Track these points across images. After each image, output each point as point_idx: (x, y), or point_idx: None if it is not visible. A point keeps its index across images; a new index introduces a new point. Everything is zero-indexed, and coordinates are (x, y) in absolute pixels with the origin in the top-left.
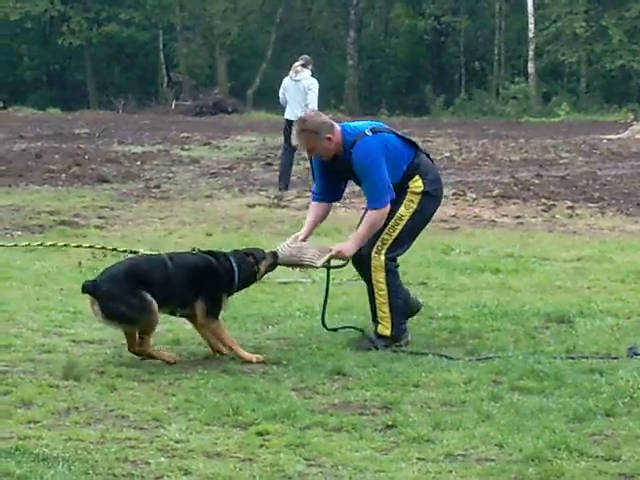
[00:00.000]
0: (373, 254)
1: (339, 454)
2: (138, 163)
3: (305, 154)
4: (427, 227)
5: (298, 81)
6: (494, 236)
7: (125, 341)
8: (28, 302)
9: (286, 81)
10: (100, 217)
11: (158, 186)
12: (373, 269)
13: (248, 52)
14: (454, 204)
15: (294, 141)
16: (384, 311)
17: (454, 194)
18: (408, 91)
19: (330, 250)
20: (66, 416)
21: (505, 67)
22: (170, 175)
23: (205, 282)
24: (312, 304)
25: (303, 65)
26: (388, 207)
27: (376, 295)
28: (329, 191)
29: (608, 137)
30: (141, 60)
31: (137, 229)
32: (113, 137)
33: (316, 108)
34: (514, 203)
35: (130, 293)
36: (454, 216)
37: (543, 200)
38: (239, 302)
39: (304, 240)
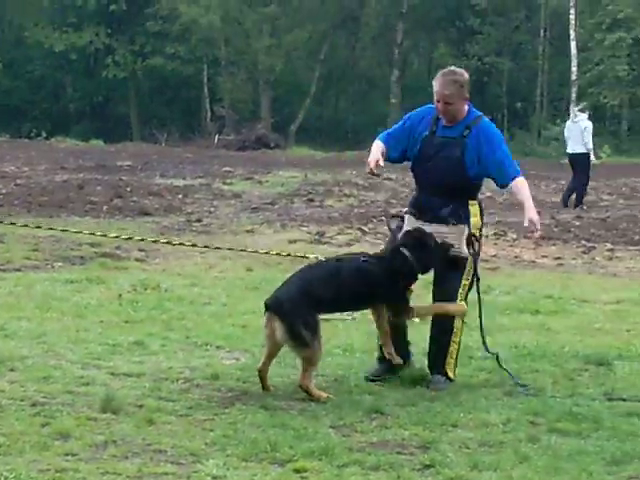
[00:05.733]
0: (459, 301)
1: None
2: (180, 196)
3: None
4: None
5: (576, 123)
6: (534, 277)
7: (165, 375)
8: (67, 334)
9: (568, 123)
10: (141, 250)
11: (199, 220)
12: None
13: (292, 88)
14: (495, 244)
15: (445, 91)
16: (453, 357)
17: (495, 234)
18: None
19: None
20: (103, 449)
21: (547, 109)
22: (212, 209)
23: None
24: (351, 341)
25: (581, 110)
26: None
27: (452, 342)
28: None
29: None
30: (185, 93)
31: (177, 262)
32: (155, 170)
33: (591, 147)
34: (554, 244)
35: (309, 314)
36: (494, 256)
37: (583, 242)
38: None
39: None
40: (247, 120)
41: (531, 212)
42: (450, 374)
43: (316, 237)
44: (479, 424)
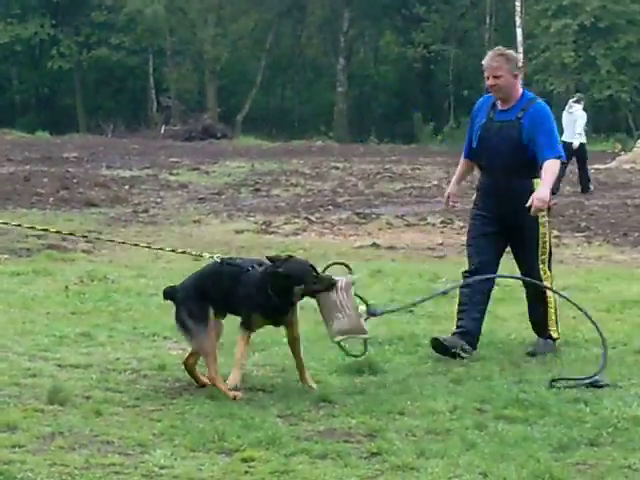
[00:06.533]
0: (543, 273)
1: None
2: (126, 187)
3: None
4: (415, 255)
5: (571, 113)
6: None
7: (112, 366)
8: (14, 326)
9: (564, 113)
10: (88, 241)
11: (146, 211)
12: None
13: (238, 78)
14: (442, 232)
15: (493, 63)
16: (552, 318)
17: (442, 222)
18: (397, 119)
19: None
20: (51, 441)
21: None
22: (158, 200)
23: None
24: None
25: (576, 101)
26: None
27: (548, 309)
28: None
29: (595, 167)
30: (131, 84)
31: (124, 254)
32: (102, 161)
33: (583, 134)
34: None
35: (196, 305)
36: (441, 244)
37: None
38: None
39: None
40: (193, 110)
41: (540, 193)
42: (554, 334)
43: (263, 227)
44: (426, 412)
